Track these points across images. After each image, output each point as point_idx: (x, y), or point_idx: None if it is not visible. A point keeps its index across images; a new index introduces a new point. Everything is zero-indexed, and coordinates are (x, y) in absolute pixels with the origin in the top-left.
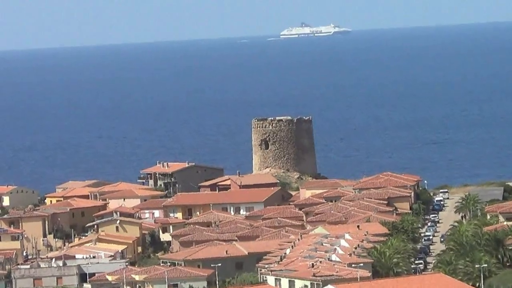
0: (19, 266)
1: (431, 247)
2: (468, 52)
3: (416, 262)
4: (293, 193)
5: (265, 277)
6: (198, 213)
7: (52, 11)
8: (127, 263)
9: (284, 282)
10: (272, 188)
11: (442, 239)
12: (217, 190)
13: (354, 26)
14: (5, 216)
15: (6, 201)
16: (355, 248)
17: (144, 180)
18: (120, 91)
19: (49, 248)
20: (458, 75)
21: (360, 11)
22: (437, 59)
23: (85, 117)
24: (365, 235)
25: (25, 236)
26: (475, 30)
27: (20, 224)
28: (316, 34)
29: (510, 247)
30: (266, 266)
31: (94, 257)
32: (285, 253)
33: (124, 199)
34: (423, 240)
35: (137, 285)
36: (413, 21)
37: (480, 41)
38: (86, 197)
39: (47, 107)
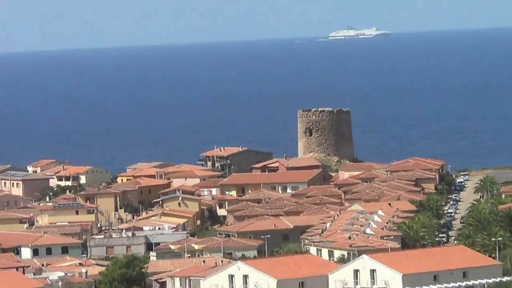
0: (94, 236)
1: (453, 222)
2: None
3: (440, 235)
4: (333, 174)
5: (308, 247)
6: (250, 191)
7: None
8: (187, 234)
9: (324, 252)
10: (315, 170)
11: (461, 221)
12: (267, 171)
13: (393, 29)
14: (82, 192)
15: (82, 180)
16: (387, 223)
17: (203, 162)
18: (187, 87)
19: (120, 221)
20: (479, 76)
21: (399, 16)
22: (458, 61)
23: (155, 108)
24: (395, 211)
25: (99, 210)
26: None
27: (95, 199)
28: (360, 36)
29: None
30: (309, 238)
31: (159, 228)
32: (326, 227)
33: (185, 179)
34: (446, 216)
35: (196, 254)
36: (452, 24)
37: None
38: (152, 176)
39: (122, 101)
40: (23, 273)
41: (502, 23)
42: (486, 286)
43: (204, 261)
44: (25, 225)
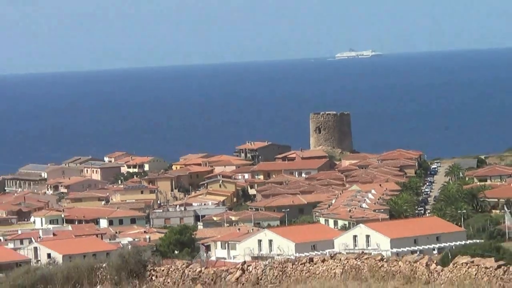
0: (155, 210)
1: (429, 199)
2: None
3: (419, 209)
4: (337, 162)
5: (318, 218)
6: (273, 175)
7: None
8: (226, 209)
9: (331, 222)
10: (323, 159)
11: (434, 200)
12: (286, 160)
13: (385, 50)
14: (146, 177)
15: (146, 167)
16: (378, 199)
17: (238, 154)
18: (227, 94)
19: (174, 199)
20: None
21: (390, 39)
22: (435, 77)
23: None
24: (385, 191)
25: (159, 190)
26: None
27: (156, 182)
28: (359, 56)
29: (481, 199)
30: (319, 211)
31: (204, 204)
32: (331, 203)
33: (224, 166)
34: (423, 194)
35: (233, 223)
36: (436, 45)
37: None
38: (199, 164)
39: (178, 104)
40: (101, 238)
41: (483, 45)
42: (453, 247)
43: (239, 229)
44: (103, 202)
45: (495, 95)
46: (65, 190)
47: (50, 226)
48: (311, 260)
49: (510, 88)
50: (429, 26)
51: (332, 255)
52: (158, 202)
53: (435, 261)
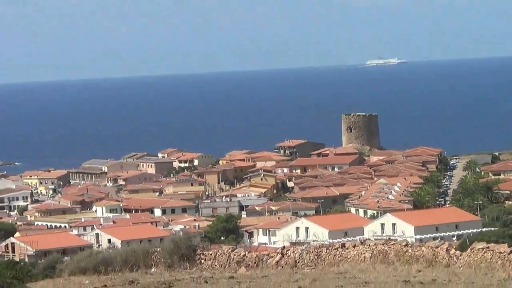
0: (203, 201)
1: (448, 191)
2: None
3: (439, 200)
4: (366, 158)
5: (349, 208)
6: (309, 170)
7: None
8: (267, 199)
9: (361, 211)
10: (354, 155)
11: (453, 192)
12: (321, 156)
13: (410, 58)
14: (195, 171)
15: (196, 162)
16: (403, 191)
17: (277, 150)
18: (269, 99)
19: (221, 190)
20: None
21: (414, 48)
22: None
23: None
24: (409, 184)
25: (207, 183)
26: None
27: (204, 176)
28: (386, 64)
29: (495, 191)
30: (350, 202)
31: (248, 195)
32: (361, 194)
33: (265, 161)
34: (443, 187)
35: (273, 212)
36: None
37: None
38: (243, 160)
39: (224, 108)
40: (156, 226)
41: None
42: (471, 234)
43: (278, 218)
44: (157, 193)
45: (509, 97)
46: (123, 183)
47: (110, 215)
48: (343, 245)
49: None
50: (451, 35)
51: (362, 241)
52: (206, 193)
53: (454, 247)
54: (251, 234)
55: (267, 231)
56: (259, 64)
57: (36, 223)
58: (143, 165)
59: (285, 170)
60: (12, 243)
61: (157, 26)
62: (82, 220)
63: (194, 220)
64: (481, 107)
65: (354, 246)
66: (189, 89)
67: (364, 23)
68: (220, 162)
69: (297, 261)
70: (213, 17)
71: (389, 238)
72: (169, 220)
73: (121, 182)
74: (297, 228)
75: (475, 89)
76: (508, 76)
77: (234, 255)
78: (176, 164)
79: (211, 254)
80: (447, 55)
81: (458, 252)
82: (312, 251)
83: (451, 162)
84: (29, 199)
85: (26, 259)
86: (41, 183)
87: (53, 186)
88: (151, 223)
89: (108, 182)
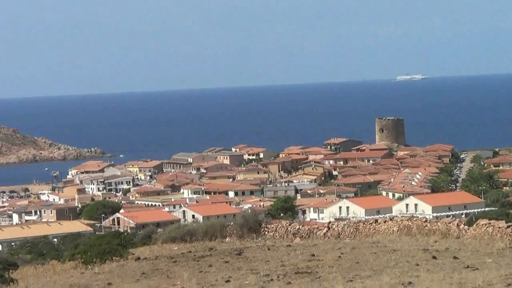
0: (267, 185)
1: (458, 179)
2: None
3: (451, 186)
4: (394, 153)
5: (381, 192)
6: (350, 162)
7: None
8: (317, 184)
9: (390, 194)
10: (385, 150)
11: (462, 180)
12: (359, 151)
13: (430, 74)
14: (261, 162)
15: (261, 155)
16: (423, 179)
17: (325, 146)
18: (319, 105)
19: (281, 177)
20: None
21: (435, 65)
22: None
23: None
24: (428, 173)
25: (270, 171)
26: None
27: (268, 166)
28: (412, 79)
29: (495, 179)
30: (382, 187)
31: (302, 181)
32: (391, 181)
33: (316, 155)
34: (455, 175)
35: (322, 195)
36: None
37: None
38: (298, 153)
39: (283, 112)
40: (229, 204)
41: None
42: (476, 213)
43: (325, 199)
44: (230, 179)
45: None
46: (205, 171)
47: (194, 196)
48: (376, 221)
49: None
50: (466, 54)
51: (391, 218)
52: (269, 180)
53: (463, 223)
54: (304, 212)
55: (317, 209)
56: (315, 78)
57: (136, 202)
58: (220, 157)
59: (331, 161)
60: (118, 218)
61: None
62: (172, 200)
63: (260, 200)
64: (484, 114)
65: (384, 222)
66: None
67: (395, 45)
68: (280, 155)
69: (340, 233)
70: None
71: (412, 216)
72: (240, 201)
73: (203, 170)
74: (340, 207)
75: (479, 99)
76: (505, 90)
77: (291, 228)
78: (246, 156)
79: (272, 227)
80: (462, 72)
81: (466, 227)
82: (352, 225)
83: (461, 156)
84: (131, 183)
85: (129, 230)
86: (140, 170)
87: (149, 173)
88: (226, 202)
89: (192, 170)
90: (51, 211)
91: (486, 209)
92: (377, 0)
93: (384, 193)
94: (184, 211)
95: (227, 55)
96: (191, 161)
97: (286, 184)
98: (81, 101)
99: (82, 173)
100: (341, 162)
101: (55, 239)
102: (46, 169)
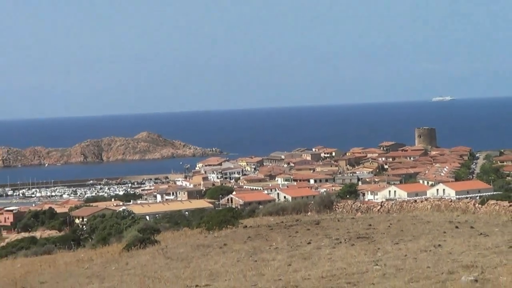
0: (337, 175)
1: (475, 171)
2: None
3: (469, 176)
4: (428, 152)
5: (419, 180)
6: (397, 158)
7: None
8: (373, 175)
9: (425, 182)
10: (422, 150)
11: (477, 172)
12: (403, 151)
13: (458, 96)
14: (333, 158)
15: (333, 153)
16: (449, 171)
17: (379, 147)
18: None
19: (347, 169)
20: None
21: (461, 88)
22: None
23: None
24: (452, 167)
25: (340, 165)
26: None
27: (338, 161)
28: (444, 100)
29: (501, 172)
30: (419, 176)
31: (362, 172)
32: (426, 172)
33: (372, 154)
34: (472, 169)
35: (376, 182)
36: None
37: None
38: (359, 152)
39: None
40: (311, 189)
41: None
42: (487, 195)
43: (379, 185)
44: (311, 171)
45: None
46: (293, 165)
47: (286, 182)
48: (415, 201)
49: None
50: (489, 78)
51: (425, 199)
52: (339, 171)
53: (477, 202)
54: (363, 194)
55: (373, 192)
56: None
57: (244, 186)
58: (304, 155)
59: (383, 158)
60: (231, 198)
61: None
62: (270, 185)
63: (332, 186)
64: (494, 124)
65: (421, 201)
66: (339, 114)
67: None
68: (347, 153)
69: (389, 209)
70: None
71: (441, 197)
72: (318, 186)
73: (291, 164)
74: (389, 191)
75: (492, 114)
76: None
77: (354, 206)
78: (322, 154)
79: (341, 205)
80: (487, 94)
81: (479, 205)
82: (398, 204)
83: (476, 155)
84: (240, 173)
85: (238, 207)
86: (247, 164)
87: (254, 166)
88: (308, 187)
89: (284, 164)
90: (184, 192)
91: (494, 193)
92: (417, 39)
93: (420, 181)
94: (278, 193)
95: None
96: (283, 158)
97: (351, 175)
98: (211, 114)
99: (206, 166)
100: (390, 159)
101: (186, 213)
102: (181, 163)
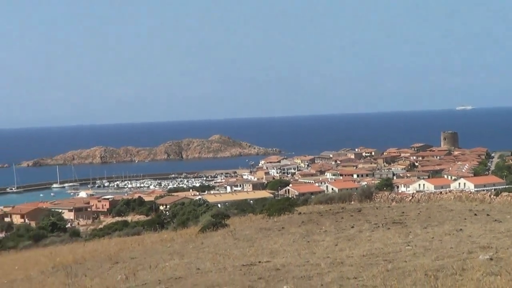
0: (376, 171)
1: (490, 168)
2: None
3: (486, 172)
4: (452, 153)
5: (444, 175)
6: (426, 157)
7: None
8: (405, 170)
9: (449, 177)
10: (447, 150)
11: (493, 169)
12: (431, 151)
13: (477, 105)
14: (373, 157)
15: (373, 153)
16: (469, 168)
17: (411, 148)
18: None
19: (384, 166)
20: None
21: (480, 97)
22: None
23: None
24: (472, 165)
25: (378, 163)
26: None
27: (377, 159)
28: (466, 109)
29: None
30: (444, 172)
31: (397, 169)
32: (449, 169)
33: (405, 153)
34: (488, 166)
35: (408, 176)
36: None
37: None
38: (394, 152)
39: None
40: (354, 182)
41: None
42: (500, 189)
43: (411, 179)
44: (354, 167)
45: None
46: (339, 162)
47: (333, 177)
48: (440, 192)
49: None
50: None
51: (449, 191)
52: (377, 167)
53: (493, 194)
54: (398, 187)
55: (406, 185)
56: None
57: (299, 180)
58: (348, 154)
59: (414, 157)
60: (288, 189)
61: None
62: (320, 179)
63: (372, 180)
64: (505, 129)
65: (446, 193)
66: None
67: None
68: (384, 153)
69: (419, 199)
70: None
71: (462, 190)
72: (360, 180)
73: (338, 162)
74: (419, 184)
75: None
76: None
77: (390, 196)
78: (364, 153)
79: (379, 196)
80: (503, 103)
81: (494, 197)
82: (426, 195)
83: (492, 155)
84: (296, 169)
85: (294, 196)
86: (301, 162)
87: (307, 163)
88: (352, 181)
89: (332, 162)
90: (249, 185)
91: (506, 186)
92: (446, 56)
93: (445, 176)
94: (326, 186)
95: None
96: (331, 156)
97: (387, 170)
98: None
99: (267, 163)
100: (420, 158)
101: (251, 201)
102: (247, 160)
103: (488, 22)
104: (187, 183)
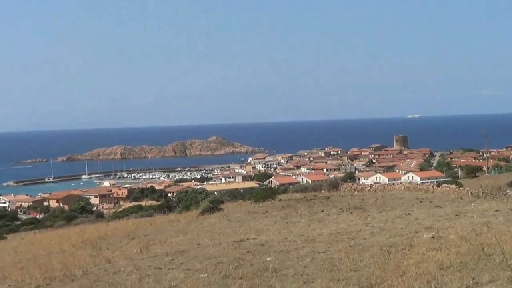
0: (341, 166)
1: (433, 165)
2: None
3: (429, 168)
4: (402, 152)
5: (396, 170)
6: (381, 155)
7: None
8: (365, 166)
9: (400, 171)
10: (398, 150)
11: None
12: (385, 150)
13: (424, 113)
14: (339, 155)
15: (339, 151)
16: (416, 164)
17: (370, 147)
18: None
19: (348, 162)
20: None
21: (428, 106)
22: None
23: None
24: (418, 161)
25: (343, 159)
26: None
27: (342, 157)
28: (415, 117)
29: (451, 165)
30: (396, 167)
31: (358, 165)
32: (400, 165)
33: (365, 152)
34: (431, 163)
35: (367, 171)
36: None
37: None
38: (356, 151)
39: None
40: (324, 175)
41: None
42: (441, 181)
43: (369, 173)
44: (324, 163)
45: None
46: (312, 159)
47: (307, 171)
48: (393, 184)
49: None
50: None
51: (400, 182)
52: (343, 163)
53: (435, 185)
54: (359, 179)
55: (365, 178)
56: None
57: (280, 173)
58: (319, 152)
59: (372, 155)
60: (271, 180)
61: None
62: (297, 172)
63: (338, 173)
64: (446, 133)
65: (397, 184)
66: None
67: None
68: (348, 151)
69: (376, 189)
70: None
71: (410, 182)
72: (328, 173)
73: (311, 158)
74: (376, 177)
75: (448, 126)
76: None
77: (353, 187)
78: (332, 152)
79: (344, 186)
80: (448, 113)
81: (436, 187)
82: (381, 186)
83: (434, 154)
84: (277, 164)
85: (276, 186)
86: (281, 158)
87: (286, 160)
88: (322, 174)
89: (306, 159)
90: (240, 177)
91: (446, 179)
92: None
93: (397, 170)
94: (302, 178)
95: None
96: (306, 154)
97: (351, 166)
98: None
99: (254, 159)
100: (377, 156)
101: (241, 190)
102: (238, 157)
103: (432, 47)
104: (190, 175)
